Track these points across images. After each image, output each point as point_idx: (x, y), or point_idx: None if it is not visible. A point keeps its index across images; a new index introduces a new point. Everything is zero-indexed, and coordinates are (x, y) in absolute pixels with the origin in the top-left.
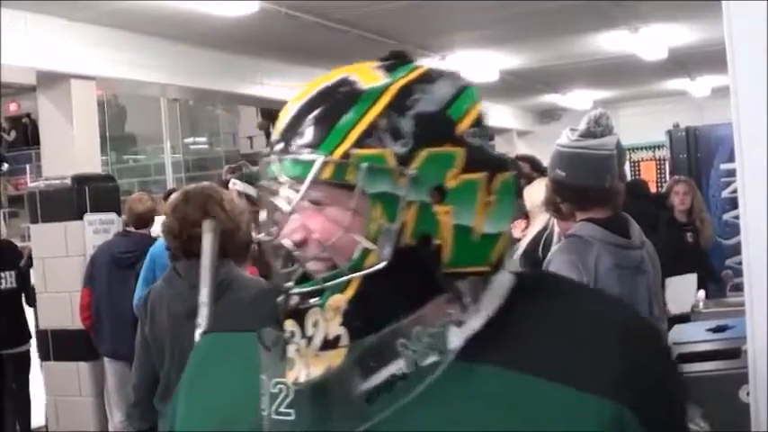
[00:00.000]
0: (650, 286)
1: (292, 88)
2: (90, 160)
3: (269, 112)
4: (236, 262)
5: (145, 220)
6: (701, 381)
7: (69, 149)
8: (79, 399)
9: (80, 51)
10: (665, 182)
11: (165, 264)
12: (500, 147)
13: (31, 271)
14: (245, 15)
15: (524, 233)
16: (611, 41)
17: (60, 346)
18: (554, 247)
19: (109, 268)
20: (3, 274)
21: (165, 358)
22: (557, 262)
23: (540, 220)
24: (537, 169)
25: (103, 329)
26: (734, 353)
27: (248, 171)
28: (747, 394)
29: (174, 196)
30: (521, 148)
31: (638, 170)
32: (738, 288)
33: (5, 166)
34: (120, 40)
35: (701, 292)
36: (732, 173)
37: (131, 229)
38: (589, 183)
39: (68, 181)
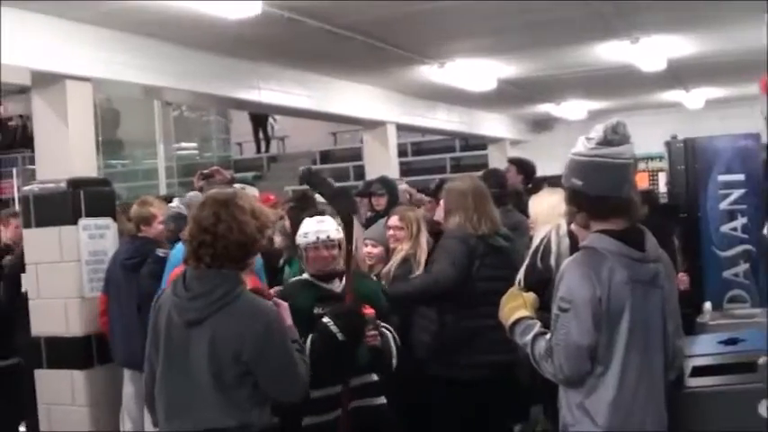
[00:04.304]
0: (665, 301)
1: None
2: (85, 164)
3: (256, 116)
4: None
5: (149, 223)
6: (718, 395)
7: (64, 152)
8: (72, 408)
9: (76, 52)
10: (659, 194)
11: None
12: (492, 156)
13: (23, 277)
14: (247, 18)
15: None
16: (611, 52)
17: (53, 353)
18: (566, 259)
19: (117, 275)
20: None
21: (159, 364)
22: (570, 273)
23: (542, 230)
24: (525, 172)
25: (115, 339)
26: (749, 366)
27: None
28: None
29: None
30: None
31: None
32: (735, 300)
33: None
34: (117, 41)
35: (708, 304)
36: (730, 184)
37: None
38: (607, 192)
39: (63, 184)
